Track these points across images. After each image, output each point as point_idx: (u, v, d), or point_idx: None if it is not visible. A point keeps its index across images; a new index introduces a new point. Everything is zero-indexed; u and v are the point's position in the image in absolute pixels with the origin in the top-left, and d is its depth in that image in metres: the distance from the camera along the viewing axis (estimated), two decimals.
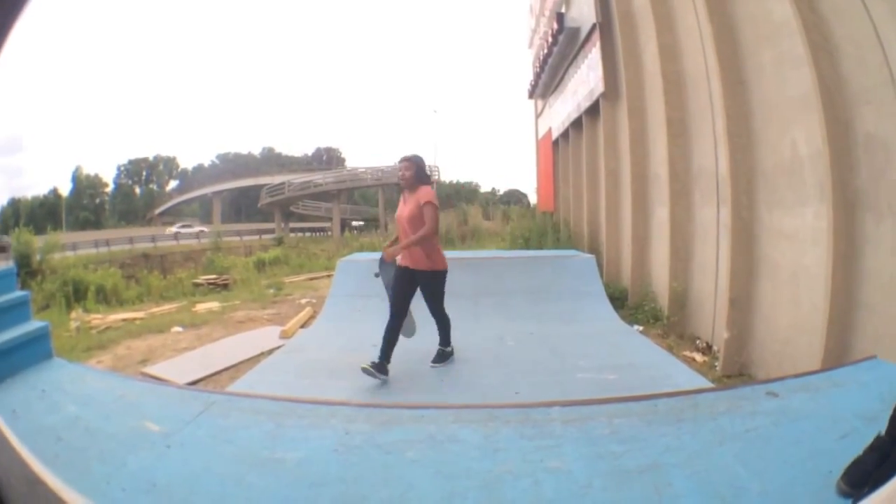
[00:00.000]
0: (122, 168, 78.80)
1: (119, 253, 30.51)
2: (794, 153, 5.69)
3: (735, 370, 6.31)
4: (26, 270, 16.06)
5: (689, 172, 8.33)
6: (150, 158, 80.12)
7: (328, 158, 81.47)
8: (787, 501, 2.45)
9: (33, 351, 4.06)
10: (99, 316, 11.48)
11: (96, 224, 66.29)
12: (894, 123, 4.27)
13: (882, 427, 2.32)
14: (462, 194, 60.86)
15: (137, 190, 79.14)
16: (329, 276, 13.57)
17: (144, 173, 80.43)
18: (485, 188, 76.62)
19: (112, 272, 17.13)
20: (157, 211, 66.72)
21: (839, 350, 4.78)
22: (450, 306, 6.59)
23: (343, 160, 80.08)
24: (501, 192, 73.78)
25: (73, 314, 11.64)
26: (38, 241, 18.85)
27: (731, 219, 6.60)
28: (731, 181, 6.61)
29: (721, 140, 6.87)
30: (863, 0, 4.35)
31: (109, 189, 76.07)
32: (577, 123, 14.76)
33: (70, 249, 27.56)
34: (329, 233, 44.60)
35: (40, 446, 2.59)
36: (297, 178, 48.09)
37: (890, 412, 2.30)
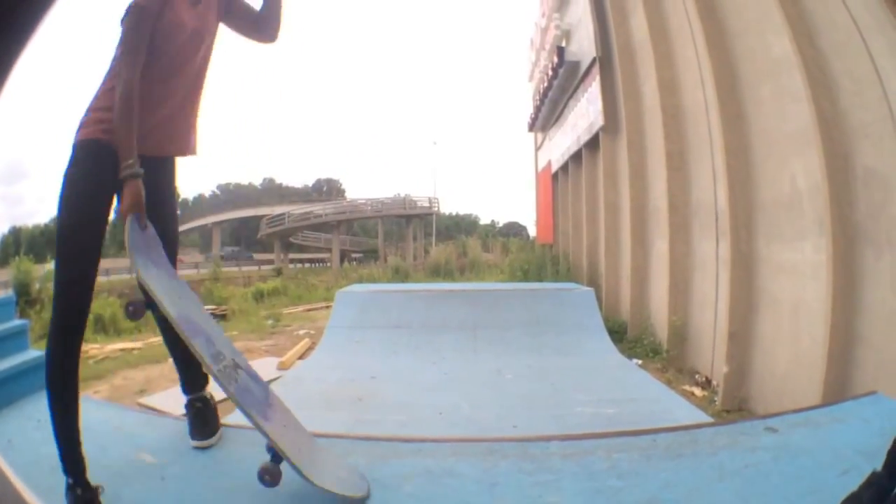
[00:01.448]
0: None
1: (118, 282, 30.21)
2: (793, 187, 5.71)
3: (734, 405, 6.27)
4: (25, 299, 15.93)
5: (688, 205, 8.36)
6: None
7: (328, 189, 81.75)
8: None
9: (31, 381, 3.91)
10: (97, 346, 11.28)
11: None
12: (893, 158, 4.29)
13: (880, 463, 2.30)
14: (461, 226, 61.07)
15: None
16: (327, 307, 13.48)
17: None
18: (484, 220, 76.65)
19: (110, 301, 16.93)
20: None
21: (839, 385, 4.75)
22: (448, 339, 6.56)
23: (343, 191, 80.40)
24: (501, 225, 73.82)
25: None
26: (39, 270, 18.78)
27: (730, 252, 6.61)
28: (731, 214, 6.63)
29: (720, 173, 6.90)
30: (861, 35, 4.39)
31: (111, 218, 76.15)
32: (576, 156, 14.82)
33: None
34: (328, 264, 44.56)
35: (35, 478, 2.49)
36: (297, 209, 48.13)
37: (888, 446, 2.28)
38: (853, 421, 3.35)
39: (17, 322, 4.48)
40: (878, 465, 2.32)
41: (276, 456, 2.60)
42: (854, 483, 2.37)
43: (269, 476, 2.56)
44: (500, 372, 7.11)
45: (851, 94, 4.77)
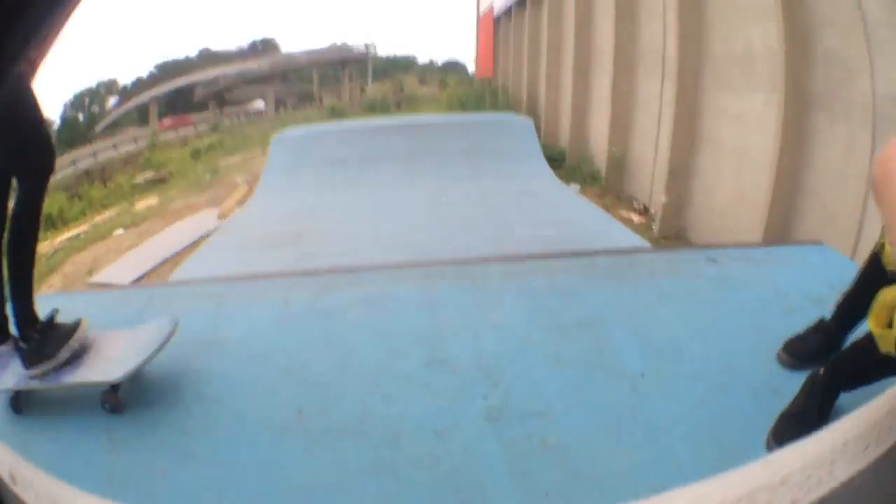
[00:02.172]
0: (67, 104, 74.95)
1: (63, 178, 29.77)
2: (748, 47, 5.63)
3: (672, 233, 6.46)
4: None
5: (634, 48, 8.23)
6: (94, 86, 76.21)
7: (263, 49, 78.26)
8: (730, 367, 2.40)
9: None
10: (46, 243, 11.21)
11: None
12: (858, 48, 4.21)
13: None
14: (399, 66, 59.50)
15: (81, 117, 75.78)
16: (265, 154, 13.45)
17: (87, 101, 76.88)
18: (423, 60, 74.86)
19: (57, 198, 16.51)
20: (98, 128, 63.88)
21: (782, 229, 4.90)
22: (386, 170, 6.45)
23: (278, 48, 77.21)
24: (440, 64, 72.29)
25: None
26: None
27: (675, 94, 6.58)
28: (678, 61, 6.56)
29: (671, 25, 6.77)
30: None
31: (56, 125, 72.87)
32: (520, 2, 14.34)
33: None
34: (265, 112, 43.74)
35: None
36: (233, 69, 46.44)
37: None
38: (797, 265, 3.35)
39: None
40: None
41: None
42: (797, 324, 2.37)
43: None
44: (437, 198, 7.05)
45: None
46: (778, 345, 2.33)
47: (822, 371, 1.95)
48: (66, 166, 35.55)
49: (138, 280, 6.03)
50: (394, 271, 3.51)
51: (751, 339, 2.51)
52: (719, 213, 5.91)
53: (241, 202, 8.81)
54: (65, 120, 76.54)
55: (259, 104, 47.68)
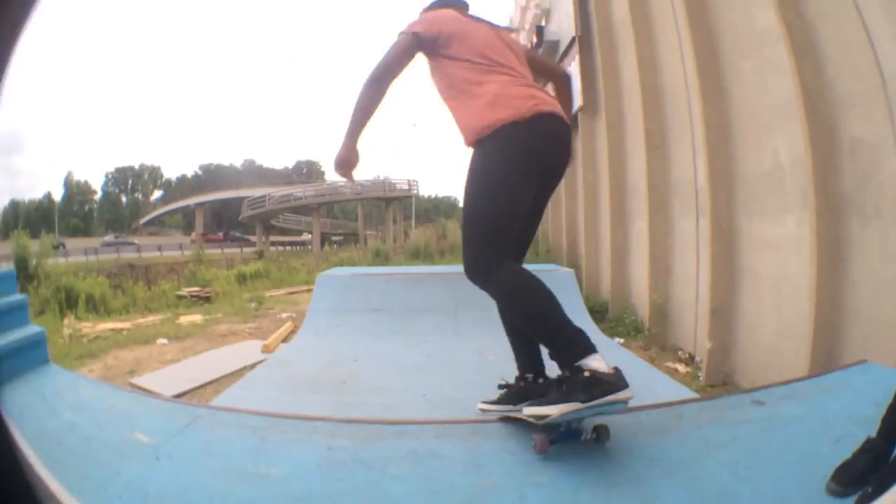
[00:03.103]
0: (109, 176, 79.61)
1: (106, 262, 31.07)
2: (775, 161, 5.67)
3: (719, 380, 6.27)
4: (23, 274, 16.06)
5: (667, 184, 8.33)
6: (136, 167, 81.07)
7: (308, 171, 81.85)
8: None
9: (31, 355, 4.06)
10: (89, 324, 11.53)
11: (85, 231, 66.78)
12: (883, 126, 4.23)
13: (874, 431, 2.26)
14: (440, 209, 60.98)
15: (123, 199, 79.79)
16: (309, 290, 13.57)
17: (130, 182, 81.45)
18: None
19: (100, 281, 17.06)
20: (142, 221, 67.06)
21: (827, 357, 4.74)
22: (430, 321, 6.47)
23: (323, 173, 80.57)
24: None
25: (66, 321, 11.69)
26: (34, 246, 18.90)
27: (710, 229, 6.58)
28: (710, 191, 6.59)
29: (700, 150, 6.87)
30: (855, 2, 4.33)
31: (97, 196, 76.82)
32: None
33: (61, 256, 28.39)
34: (309, 247, 44.59)
35: (44, 449, 2.53)
36: (278, 192, 48.01)
37: (882, 413, 2.25)
38: (842, 390, 3.33)
39: (18, 296, 4.53)
40: (871, 432, 2.29)
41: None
42: (847, 451, 2.34)
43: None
44: (482, 353, 7.06)
45: (839, 63, 4.71)
46: (828, 474, 2.27)
47: (870, 489, 1.91)
48: (109, 250, 36.83)
49: (180, 395, 6.07)
50: (438, 427, 3.47)
51: (801, 476, 2.46)
52: (765, 351, 5.75)
53: (285, 339, 8.86)
54: (106, 194, 78.88)
55: (305, 237, 49.12)
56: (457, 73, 2.96)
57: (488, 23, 3.22)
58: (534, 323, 2.74)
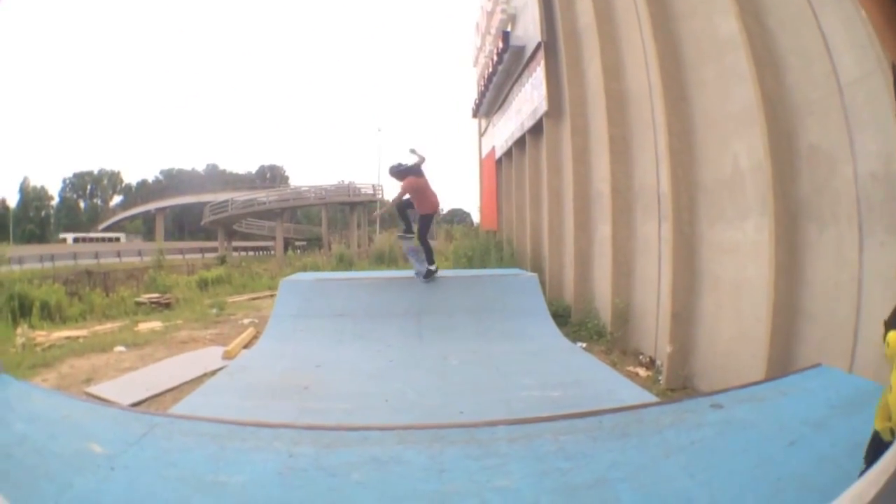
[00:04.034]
0: (68, 181, 77.85)
1: (63, 269, 30.30)
2: (735, 167, 5.77)
3: (679, 383, 6.34)
4: None
5: (630, 189, 8.42)
6: (95, 172, 79.36)
7: (272, 176, 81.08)
8: None
9: None
10: (43, 333, 11.14)
11: (41, 238, 65.13)
12: (839, 133, 4.33)
13: (830, 433, 2.31)
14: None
15: (82, 204, 78.15)
16: (272, 295, 13.49)
17: (89, 187, 79.63)
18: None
19: (56, 288, 16.59)
20: (101, 226, 65.67)
21: (783, 360, 4.83)
22: (393, 326, 6.45)
23: (286, 178, 79.89)
24: (445, 212, 74.15)
25: (19, 330, 11.30)
26: None
27: (672, 234, 6.66)
28: (672, 197, 6.68)
29: (663, 156, 6.96)
30: (814, 11, 4.40)
31: (55, 202, 75.17)
32: (520, 142, 14.85)
33: (16, 263, 27.08)
34: (272, 252, 44.15)
35: None
36: (241, 196, 47.43)
37: (835, 418, 2.30)
38: (798, 393, 3.41)
39: None
40: (826, 434, 2.35)
41: None
42: (802, 453, 2.43)
43: None
44: (445, 358, 7.06)
45: (798, 71, 4.81)
46: (784, 479, 2.39)
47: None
48: (66, 256, 36.05)
49: (137, 403, 5.95)
50: (400, 432, 3.48)
51: (757, 480, 2.54)
52: (723, 355, 5.84)
53: (247, 345, 8.75)
54: (63, 200, 76.80)
55: (268, 242, 48.69)
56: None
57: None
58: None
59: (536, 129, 13.05)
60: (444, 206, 79.27)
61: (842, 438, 2.66)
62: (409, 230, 9.92)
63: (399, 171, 9.47)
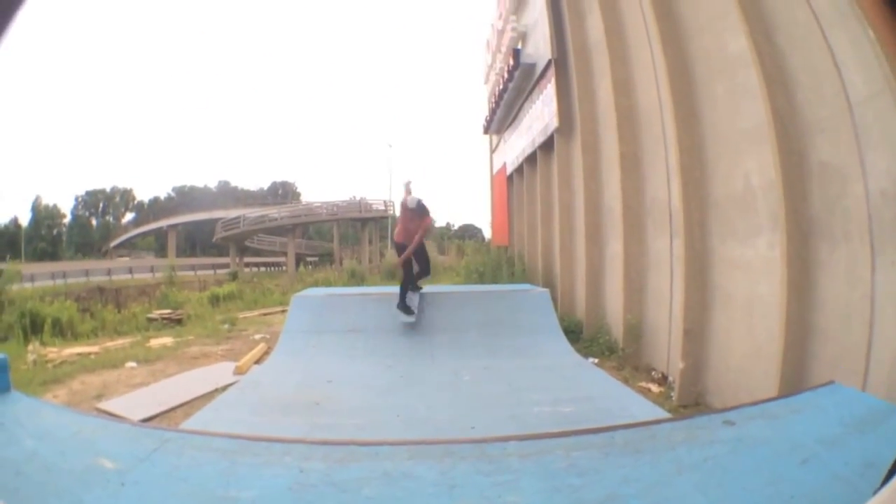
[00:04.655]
0: (80, 199, 78.27)
1: (75, 286, 30.43)
2: (747, 184, 5.76)
3: (691, 400, 6.32)
4: None
5: (641, 205, 8.42)
6: (107, 190, 79.75)
7: (284, 193, 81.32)
8: None
9: None
10: (55, 349, 11.19)
11: (53, 255, 65.47)
12: (849, 151, 4.32)
13: (843, 452, 2.30)
14: None
15: (94, 222, 78.55)
16: (283, 311, 13.46)
17: (101, 205, 79.95)
18: (439, 223, 76.86)
19: (68, 305, 16.65)
20: (113, 244, 66.00)
21: (796, 377, 4.80)
22: (405, 341, 6.46)
23: (298, 194, 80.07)
24: (456, 227, 74.30)
25: (30, 347, 11.32)
26: None
27: (684, 250, 6.65)
28: (684, 213, 6.68)
29: (674, 172, 6.95)
30: (822, 30, 4.42)
31: (67, 220, 75.60)
32: (531, 158, 14.87)
33: (28, 280, 27.51)
34: (284, 268, 44.25)
35: (1, 480, 2.58)
36: (253, 213, 47.58)
37: (849, 436, 2.28)
38: (810, 411, 3.37)
39: None
40: (838, 453, 2.33)
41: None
42: (814, 471, 2.40)
43: None
44: (456, 373, 7.06)
45: (808, 89, 4.81)
46: (797, 498, 2.33)
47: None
48: (78, 274, 36.31)
49: (148, 419, 5.96)
50: (411, 447, 3.47)
51: (769, 498, 2.49)
52: (736, 372, 5.81)
53: (258, 360, 8.76)
54: (76, 218, 77.10)
55: (279, 258, 48.81)
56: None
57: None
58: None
59: (547, 146, 13.09)
60: (456, 221, 79.39)
61: (855, 457, 2.63)
62: (412, 281, 9.44)
63: (424, 208, 9.18)
